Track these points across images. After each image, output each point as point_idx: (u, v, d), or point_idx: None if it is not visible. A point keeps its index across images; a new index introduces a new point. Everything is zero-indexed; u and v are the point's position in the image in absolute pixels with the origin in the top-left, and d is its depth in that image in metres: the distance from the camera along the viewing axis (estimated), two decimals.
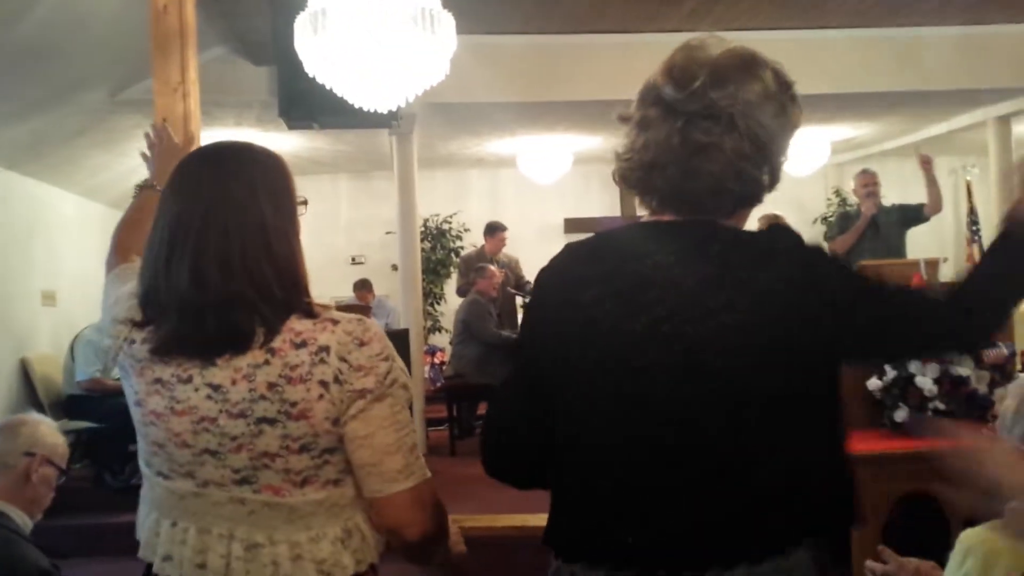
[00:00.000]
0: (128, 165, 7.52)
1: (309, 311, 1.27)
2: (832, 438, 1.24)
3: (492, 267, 6.92)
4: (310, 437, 1.24)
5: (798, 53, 6.58)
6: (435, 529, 1.34)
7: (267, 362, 1.24)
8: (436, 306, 9.57)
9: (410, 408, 1.34)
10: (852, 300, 1.19)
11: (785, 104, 1.25)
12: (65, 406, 6.00)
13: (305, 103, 5.06)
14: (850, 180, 7.17)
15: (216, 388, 1.25)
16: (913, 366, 3.10)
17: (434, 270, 9.58)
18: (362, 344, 1.26)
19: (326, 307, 1.30)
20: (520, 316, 7.59)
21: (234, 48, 6.04)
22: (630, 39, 6.22)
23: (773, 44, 6.35)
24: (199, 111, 3.20)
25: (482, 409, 6.48)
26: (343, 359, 1.24)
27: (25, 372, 6.22)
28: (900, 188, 9.29)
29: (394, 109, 3.25)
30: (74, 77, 5.42)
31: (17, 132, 5.79)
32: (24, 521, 2.12)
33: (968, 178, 10.21)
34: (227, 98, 6.29)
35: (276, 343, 1.24)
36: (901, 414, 3.14)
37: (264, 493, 1.25)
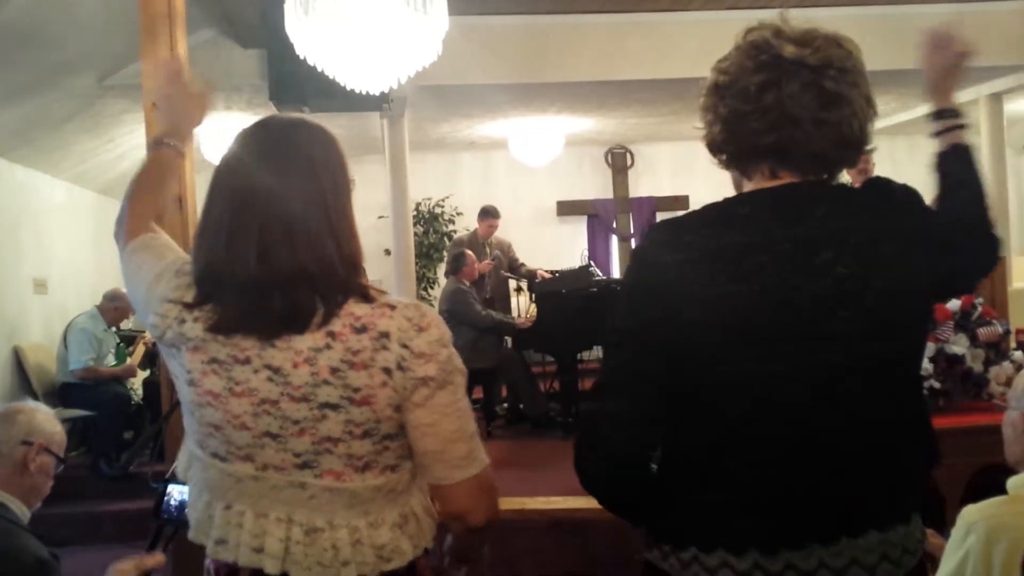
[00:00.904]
0: (117, 151, 7.46)
1: (366, 294, 1.26)
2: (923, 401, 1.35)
3: (470, 254, 6.91)
4: (372, 423, 1.24)
5: None
6: (496, 514, 1.35)
7: (328, 346, 1.22)
8: (429, 291, 9.56)
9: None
10: (952, 238, 1.32)
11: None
12: (59, 394, 5.99)
13: (295, 86, 5.02)
14: None
15: (276, 371, 1.23)
16: None
17: (427, 254, 9.56)
18: (421, 330, 1.25)
19: (381, 291, 1.29)
20: (515, 300, 7.60)
21: (223, 31, 5.99)
22: (622, 19, 6.18)
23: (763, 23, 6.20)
24: None
25: (477, 394, 6.49)
26: (404, 345, 1.23)
27: (18, 361, 6.20)
28: (891, 167, 9.31)
29: (385, 91, 3.22)
30: (61, 61, 5.36)
31: (4, 118, 5.74)
32: (22, 511, 2.10)
33: None
34: (216, 81, 6.24)
35: (336, 326, 1.22)
36: None
37: (326, 478, 1.24)
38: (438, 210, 9.76)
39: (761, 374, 1.17)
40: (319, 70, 3.04)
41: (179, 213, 2.96)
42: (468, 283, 6.73)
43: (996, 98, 7.69)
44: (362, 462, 1.26)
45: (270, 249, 1.22)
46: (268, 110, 6.21)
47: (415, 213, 9.21)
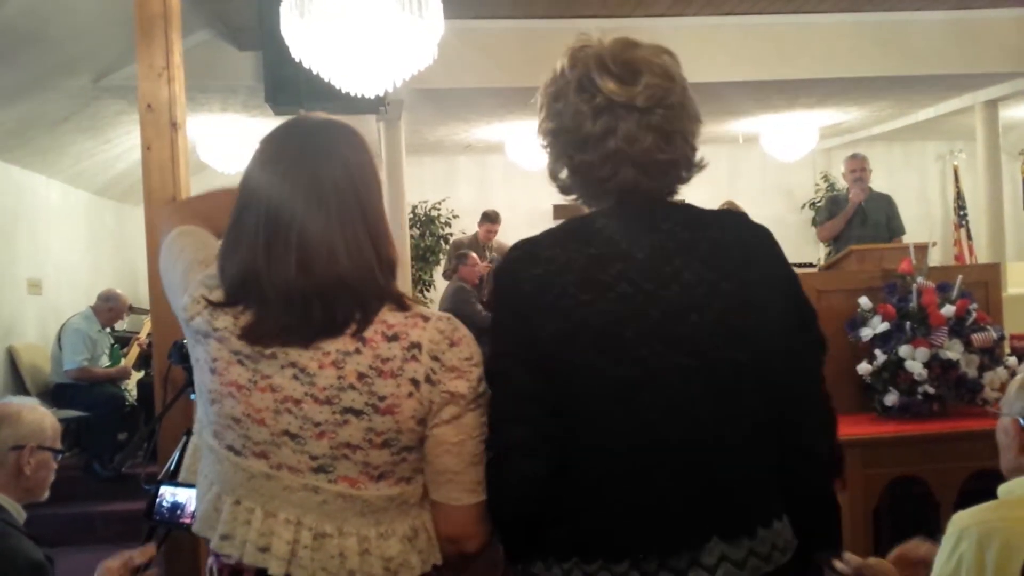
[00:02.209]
0: (113, 152, 7.45)
1: (401, 302, 1.24)
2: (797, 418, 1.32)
3: (474, 256, 6.91)
4: (393, 433, 1.22)
5: (788, 38, 6.60)
6: (489, 544, 1.31)
7: (358, 351, 1.21)
8: (425, 293, 9.55)
9: None
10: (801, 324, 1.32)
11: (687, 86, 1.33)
12: (53, 395, 5.97)
13: (291, 88, 5.01)
14: (838, 165, 7.18)
15: (302, 370, 1.21)
16: (903, 350, 3.11)
17: (423, 257, 9.55)
18: (453, 344, 1.23)
19: (415, 300, 1.28)
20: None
21: (219, 32, 5.99)
22: (617, 24, 6.19)
23: (763, 29, 6.39)
24: (184, 96, 3.15)
25: None
26: (435, 358, 1.22)
27: (12, 361, 6.18)
28: (887, 174, 9.33)
29: (381, 94, 3.22)
30: (58, 62, 5.36)
31: (0, 118, 5.73)
32: (18, 512, 2.09)
33: (955, 163, 10.26)
34: (212, 83, 6.24)
35: (368, 332, 1.21)
36: (891, 398, 3.14)
37: (340, 484, 1.22)
38: (435, 213, 9.76)
39: (619, 381, 1.21)
40: (315, 73, 3.04)
41: None
42: (470, 285, 6.73)
43: (992, 105, 7.71)
44: (378, 471, 1.23)
45: (309, 257, 1.20)
46: (264, 112, 6.20)
47: (411, 216, 9.20)
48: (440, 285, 8.79)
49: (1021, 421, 1.68)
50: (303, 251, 1.20)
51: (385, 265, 1.25)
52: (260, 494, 1.23)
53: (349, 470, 1.22)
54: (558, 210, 10.07)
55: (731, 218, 1.32)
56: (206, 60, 6.02)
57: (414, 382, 1.21)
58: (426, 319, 1.24)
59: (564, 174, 1.33)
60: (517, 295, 1.25)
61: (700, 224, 1.28)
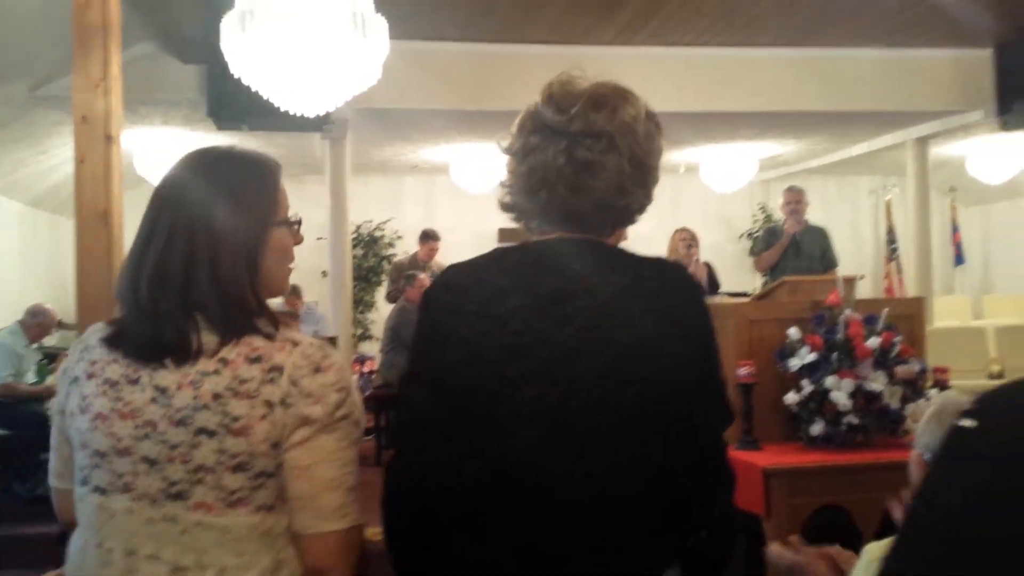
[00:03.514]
0: (48, 163, 7.26)
1: (269, 331, 1.24)
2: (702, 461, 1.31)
3: (422, 275, 6.90)
4: (246, 456, 1.21)
5: (729, 70, 6.76)
6: None
7: (217, 372, 1.21)
8: (366, 313, 9.48)
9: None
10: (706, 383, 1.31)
11: (652, 130, 1.34)
12: None
13: (235, 103, 4.98)
14: (776, 197, 7.35)
15: (163, 391, 1.22)
16: (829, 381, 3.18)
17: (365, 277, 9.50)
18: (318, 370, 1.23)
19: (289, 324, 1.27)
20: None
21: (162, 45, 5.90)
22: (565, 51, 6.27)
23: (705, 60, 6.52)
24: (121, 108, 3.11)
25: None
26: (295, 382, 1.21)
27: None
28: (823, 207, 9.58)
29: (323, 114, 3.21)
30: None
31: None
32: None
33: (888, 197, 10.58)
34: (154, 95, 6.14)
35: (231, 354, 1.22)
36: (817, 428, 3.21)
37: (197, 511, 1.21)
38: (378, 233, 9.72)
39: (510, 417, 1.20)
40: (254, 90, 3.02)
41: (104, 228, 2.90)
42: (414, 306, 6.71)
43: (922, 142, 7.97)
44: (234, 496, 1.21)
45: (164, 279, 1.24)
46: (207, 126, 6.13)
47: (355, 235, 9.14)
48: (382, 306, 8.74)
49: (925, 456, 1.74)
50: (158, 273, 1.24)
51: (246, 299, 1.25)
52: (120, 532, 1.23)
53: (206, 495, 1.21)
54: (504, 233, 10.11)
55: (651, 268, 1.30)
56: (148, 72, 5.92)
57: (268, 404, 1.20)
58: (296, 344, 1.24)
59: (504, 188, 1.36)
60: (429, 319, 1.29)
61: (612, 269, 1.27)
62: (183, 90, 6.07)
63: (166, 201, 1.29)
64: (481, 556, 1.22)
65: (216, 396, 1.20)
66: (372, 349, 9.19)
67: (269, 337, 1.24)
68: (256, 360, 1.22)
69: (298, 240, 1.37)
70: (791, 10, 5.87)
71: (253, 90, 3.14)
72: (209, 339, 1.23)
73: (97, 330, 1.33)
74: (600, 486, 1.21)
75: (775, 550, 1.35)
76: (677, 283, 1.30)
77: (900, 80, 6.93)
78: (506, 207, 1.36)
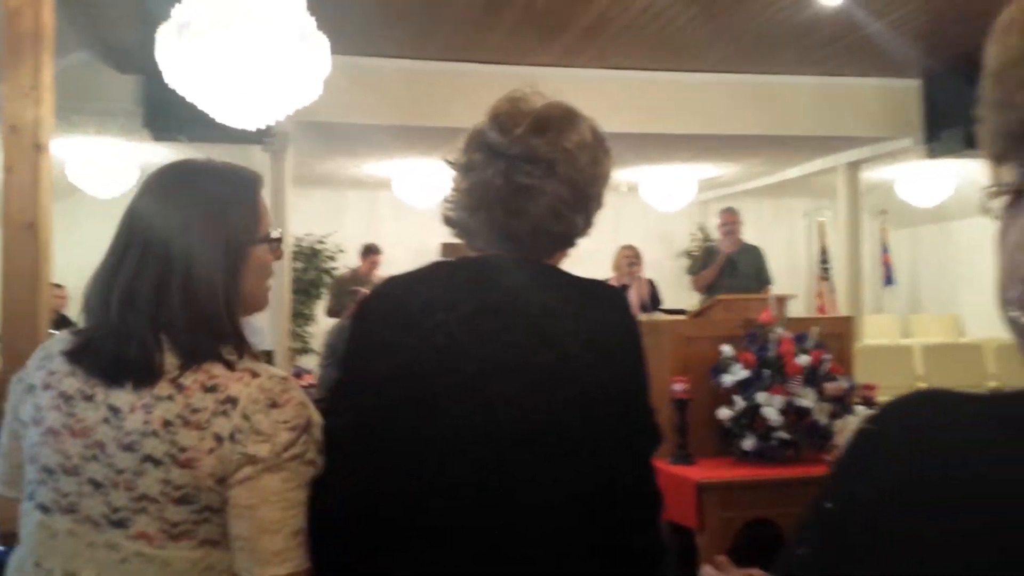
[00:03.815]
0: None
1: (229, 363, 1.19)
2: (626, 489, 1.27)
3: (365, 291, 6.86)
4: (191, 489, 1.16)
5: (669, 94, 6.90)
6: None
7: (171, 397, 1.16)
8: (306, 327, 9.38)
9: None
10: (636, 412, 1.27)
11: (599, 156, 1.33)
12: None
13: (172, 114, 4.89)
14: (714, 217, 7.51)
15: (115, 412, 1.18)
16: (761, 397, 3.26)
17: (305, 290, 9.40)
18: (274, 405, 1.17)
19: (254, 357, 1.23)
20: None
21: (98, 54, 5.79)
22: (508, 70, 6.34)
23: (644, 84, 6.64)
24: (52, 118, 3.04)
25: None
26: (247, 417, 1.16)
27: None
28: (758, 228, 9.80)
29: (262, 127, 3.19)
30: None
31: None
32: None
33: (821, 219, 10.88)
34: (89, 105, 6.02)
35: (187, 380, 1.17)
36: (749, 443, 3.28)
37: (139, 541, 1.16)
38: (319, 246, 9.64)
39: (429, 432, 1.18)
40: (190, 102, 2.99)
41: (31, 239, 2.83)
42: None
43: (854, 167, 8.23)
44: (177, 529, 1.16)
45: (133, 297, 1.20)
46: (143, 137, 6.02)
47: (296, 248, 9.06)
48: (321, 319, 8.66)
49: None
50: (128, 290, 1.20)
51: (217, 325, 1.21)
52: (62, 554, 1.19)
53: (148, 525, 1.16)
54: (446, 248, 10.08)
55: (583, 290, 1.28)
56: (83, 81, 5.81)
57: (218, 438, 1.15)
58: (255, 375, 1.19)
59: (450, 210, 1.34)
60: (360, 330, 1.28)
61: (542, 289, 1.25)
62: (119, 100, 5.96)
63: (141, 217, 1.25)
64: (403, 571, 1.19)
65: (166, 423, 1.16)
66: (312, 363, 9.08)
67: (229, 365, 1.19)
68: (211, 389, 1.17)
69: (278, 256, 1.34)
70: (728, 37, 6.03)
71: (190, 101, 3.10)
72: (171, 361, 1.19)
73: (61, 340, 1.28)
74: (524, 509, 1.17)
75: (708, 571, 1.37)
76: (608, 306, 1.28)
77: (833, 107, 7.15)
78: (449, 222, 1.35)
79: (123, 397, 1.18)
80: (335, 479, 1.21)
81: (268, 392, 1.18)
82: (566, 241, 1.33)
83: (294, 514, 1.17)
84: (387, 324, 1.25)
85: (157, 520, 1.16)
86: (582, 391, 1.20)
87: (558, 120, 1.29)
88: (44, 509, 1.21)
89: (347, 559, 1.21)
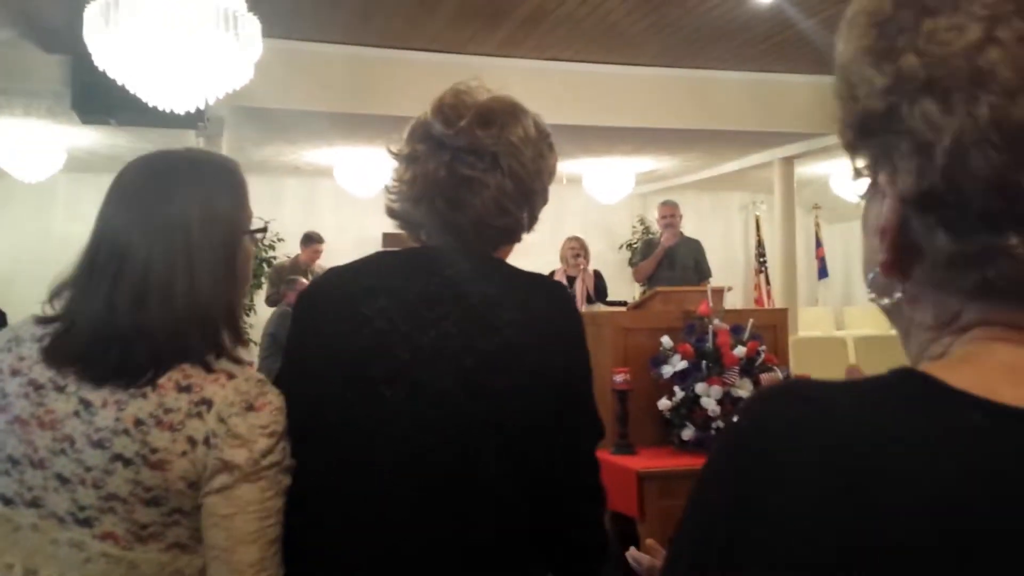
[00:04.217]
0: None
1: (207, 365, 1.16)
2: (571, 475, 1.28)
3: (304, 280, 6.75)
4: (161, 491, 1.12)
5: (607, 87, 6.94)
6: None
7: (144, 395, 1.13)
8: (245, 317, 9.20)
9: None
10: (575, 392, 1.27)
11: (543, 150, 1.33)
12: None
13: (101, 97, 4.75)
14: (653, 209, 7.58)
15: (87, 405, 1.13)
16: (699, 387, 3.30)
17: None
18: (250, 408, 1.14)
19: (237, 359, 1.19)
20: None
21: (24, 32, 5.58)
22: (447, 59, 6.30)
23: (583, 76, 6.67)
24: None
25: None
26: (222, 420, 1.12)
27: None
28: (697, 220, 9.95)
29: (192, 110, 3.10)
30: None
31: None
32: None
33: (757, 213, 11.08)
34: (14, 85, 5.80)
35: (162, 379, 1.13)
36: (688, 432, 3.32)
37: (105, 541, 1.12)
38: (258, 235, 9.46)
39: (361, 418, 1.18)
40: (120, 84, 2.90)
41: None
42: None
43: (788, 162, 8.40)
44: (146, 531, 1.13)
45: (116, 298, 1.16)
46: (71, 119, 5.83)
47: None
48: (261, 309, 8.51)
49: None
50: (111, 292, 1.16)
51: (200, 326, 1.17)
52: (22, 548, 1.14)
53: (115, 525, 1.13)
54: (388, 238, 10.01)
55: (524, 281, 1.28)
56: (8, 60, 5.60)
57: (191, 441, 1.12)
58: (231, 377, 1.16)
59: (393, 200, 1.33)
60: (299, 319, 1.28)
61: (483, 278, 1.25)
62: (46, 81, 5.76)
63: (119, 211, 1.20)
64: (338, 560, 1.18)
65: (138, 422, 1.12)
66: (251, 355, 8.92)
67: (206, 366, 1.15)
68: (186, 389, 1.13)
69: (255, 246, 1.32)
70: (666, 32, 6.09)
71: (120, 83, 3.01)
72: (145, 366, 1.15)
73: (28, 323, 1.22)
74: (459, 497, 1.17)
75: (633, 554, 1.37)
76: (550, 297, 1.28)
77: (767, 102, 7.28)
78: (392, 213, 1.33)
79: (96, 392, 1.14)
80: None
81: (244, 395, 1.15)
82: (510, 235, 1.32)
83: (271, 524, 1.15)
84: (327, 312, 1.24)
85: (125, 521, 1.13)
86: (523, 380, 1.20)
87: (503, 113, 1.28)
88: (6, 500, 1.16)
89: (289, 546, 1.19)
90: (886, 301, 0.59)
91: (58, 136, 6.95)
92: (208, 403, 1.13)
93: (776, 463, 0.51)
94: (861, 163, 0.58)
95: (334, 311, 1.23)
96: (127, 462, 1.12)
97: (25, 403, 1.16)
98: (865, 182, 0.59)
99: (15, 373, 1.17)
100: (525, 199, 1.29)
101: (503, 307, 1.22)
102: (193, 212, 1.20)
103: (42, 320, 1.21)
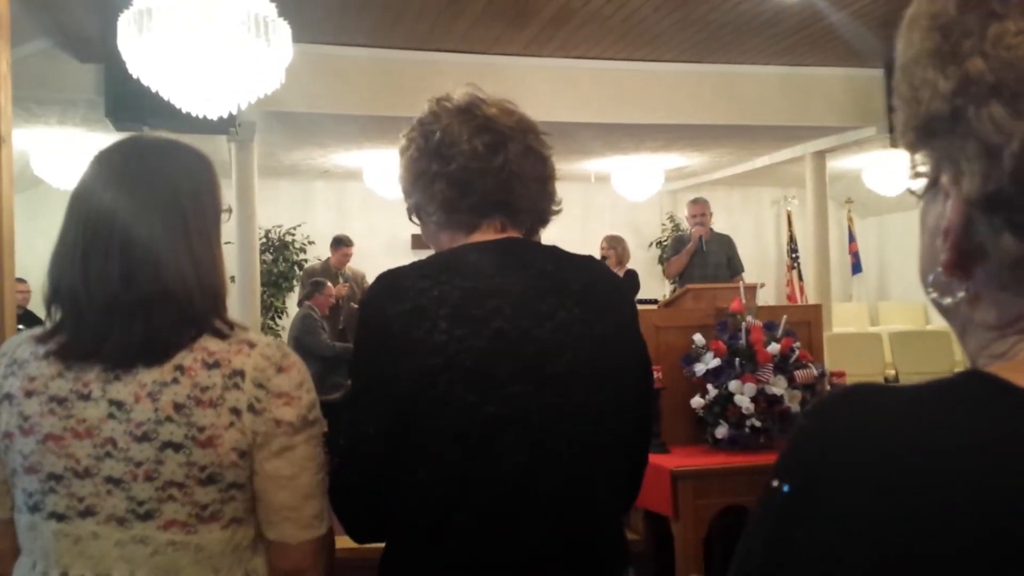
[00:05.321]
0: None
1: (221, 332, 1.19)
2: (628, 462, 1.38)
3: (331, 285, 6.79)
4: (216, 468, 1.16)
5: (634, 84, 6.90)
6: (330, 572, 1.29)
7: (175, 380, 1.15)
8: (277, 320, 9.29)
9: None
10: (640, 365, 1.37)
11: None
12: None
13: (134, 104, 4.82)
14: (683, 207, 7.54)
15: (119, 406, 1.15)
16: (732, 385, 3.28)
17: (275, 283, 9.30)
18: (281, 370, 1.19)
19: (242, 327, 1.22)
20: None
21: (58, 42, 5.67)
22: (475, 59, 6.30)
23: (612, 74, 6.64)
24: (10, 109, 2.96)
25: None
26: (260, 385, 1.17)
27: None
28: (727, 216, 9.87)
29: (224, 116, 3.14)
30: None
31: None
32: None
33: (788, 208, 10.97)
34: (50, 94, 5.90)
35: (187, 361, 1.16)
36: (721, 431, 3.29)
37: (169, 530, 1.15)
38: (289, 238, 9.55)
39: (489, 419, 1.18)
40: (154, 91, 2.94)
41: None
42: (319, 314, 6.59)
43: (820, 156, 8.30)
44: (207, 511, 1.17)
45: (132, 270, 1.17)
46: (105, 127, 5.92)
47: (264, 240, 8.96)
48: (293, 311, 8.58)
49: None
50: (125, 265, 1.17)
51: (207, 292, 1.21)
52: (88, 557, 1.16)
53: (176, 512, 1.16)
54: (416, 239, 10.07)
55: (594, 263, 1.36)
56: (43, 70, 5.69)
57: (235, 411, 1.16)
58: (252, 345, 1.19)
59: (442, 187, 1.30)
60: (384, 330, 1.21)
61: (569, 265, 1.30)
62: (80, 90, 5.85)
63: (109, 192, 1.21)
64: (471, 551, 1.21)
65: (178, 407, 1.14)
66: None
67: (223, 338, 1.19)
68: (214, 365, 1.16)
69: None
70: (694, 27, 6.04)
71: (154, 90, 3.05)
72: (169, 338, 1.17)
73: (23, 342, 1.22)
74: (581, 489, 1.24)
75: None
76: (610, 278, 1.36)
77: (798, 96, 7.20)
78: (448, 206, 1.32)
79: (123, 389, 1.16)
80: (357, 483, 1.25)
81: (271, 359, 1.19)
82: (545, 219, 1.38)
83: (323, 475, 1.24)
84: (422, 318, 1.20)
85: (186, 505, 1.16)
86: (623, 361, 1.29)
87: (511, 107, 1.35)
88: (59, 517, 1.17)
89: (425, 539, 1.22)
90: (947, 300, 0.59)
91: (93, 144, 7.04)
92: (240, 373, 1.17)
93: (837, 465, 0.51)
94: (921, 164, 0.58)
95: (440, 317, 1.19)
96: (177, 447, 1.15)
97: (53, 420, 1.17)
98: (923, 182, 0.59)
99: (30, 394, 1.18)
100: (551, 178, 1.36)
101: (599, 291, 1.29)
102: (183, 185, 1.23)
103: (40, 338, 1.21)
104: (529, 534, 1.19)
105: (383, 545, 1.28)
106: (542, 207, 1.34)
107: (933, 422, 0.51)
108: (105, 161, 1.26)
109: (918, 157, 0.58)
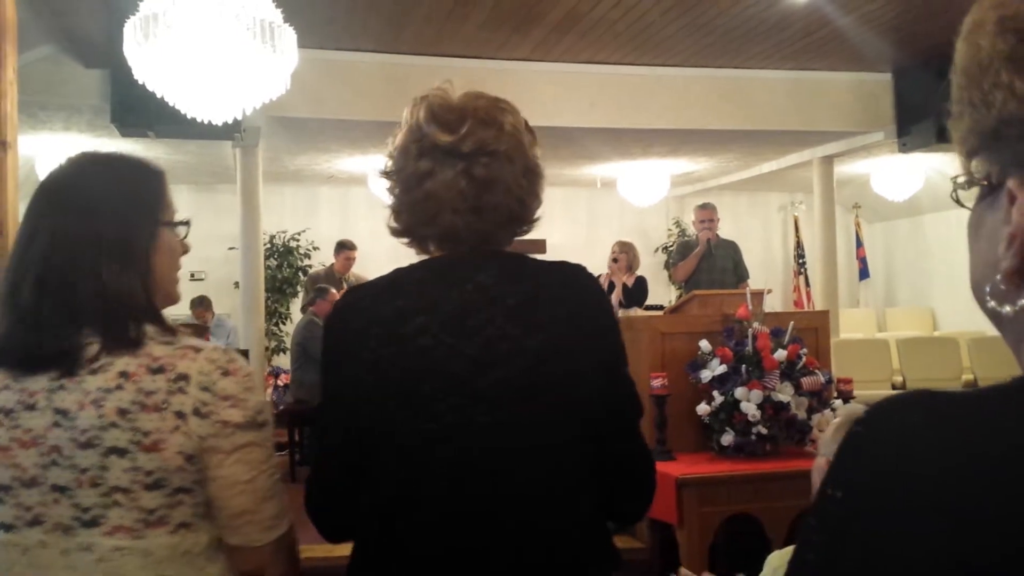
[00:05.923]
0: None
1: (166, 341, 1.21)
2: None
3: (334, 291, 6.78)
4: (161, 472, 1.16)
5: (641, 89, 6.89)
6: (293, 571, 1.31)
7: (119, 387, 1.16)
8: (281, 326, 9.28)
9: None
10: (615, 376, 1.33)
11: (533, 139, 1.35)
12: None
13: (140, 110, 4.82)
14: (689, 212, 7.52)
15: (64, 414, 1.16)
16: (739, 392, 3.25)
17: (279, 288, 9.30)
18: (226, 374, 1.20)
19: (185, 332, 1.24)
20: None
21: (64, 48, 5.68)
22: (481, 64, 6.29)
23: (619, 79, 6.63)
24: (16, 113, 2.96)
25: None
26: (206, 388, 1.18)
27: None
28: (734, 221, 9.84)
29: (229, 121, 3.13)
30: None
31: None
32: None
33: (796, 213, 10.94)
34: (55, 100, 5.91)
35: (131, 367, 1.17)
36: (727, 438, 3.27)
37: (115, 536, 1.15)
38: (293, 243, 9.54)
39: (421, 436, 1.20)
40: (159, 96, 2.93)
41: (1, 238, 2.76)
42: (321, 320, 6.60)
43: (828, 160, 8.27)
44: (154, 516, 1.17)
45: (45, 282, 1.20)
46: (110, 132, 5.92)
47: (269, 246, 8.96)
48: (297, 317, 8.58)
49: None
50: (40, 277, 1.19)
51: (136, 303, 1.22)
52: (37, 567, 1.17)
53: (122, 518, 1.16)
54: None
55: (552, 273, 1.31)
56: (49, 76, 5.70)
57: (180, 415, 1.16)
58: (197, 350, 1.21)
59: (392, 216, 1.34)
60: (336, 347, 1.27)
61: (515, 278, 1.27)
62: (86, 95, 5.86)
63: (49, 202, 1.25)
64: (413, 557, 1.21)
65: (123, 412, 1.15)
66: (287, 362, 9.00)
67: (168, 344, 1.20)
68: (159, 370, 1.17)
69: (185, 249, 1.34)
70: (701, 32, 6.03)
71: (159, 96, 3.04)
72: (95, 349, 1.18)
73: None
74: (522, 500, 1.21)
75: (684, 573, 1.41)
76: (579, 284, 1.31)
77: (806, 101, 7.18)
78: (398, 233, 1.34)
79: (68, 398, 1.17)
80: (330, 499, 1.29)
81: (216, 363, 1.20)
82: (526, 223, 1.35)
83: (278, 475, 1.25)
84: (363, 338, 1.23)
85: (132, 510, 1.16)
86: (573, 373, 1.23)
87: (490, 108, 1.30)
88: (7, 528, 1.18)
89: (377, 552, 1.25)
90: (1007, 309, 0.57)
91: (99, 149, 7.07)
92: (185, 377, 1.17)
93: (892, 474, 0.51)
94: (979, 169, 0.57)
95: (372, 336, 1.22)
96: (122, 452, 1.15)
97: (1, 431, 1.18)
98: (974, 189, 0.58)
99: None
100: (532, 184, 1.32)
101: (540, 303, 1.25)
102: (102, 206, 1.24)
103: None
104: (470, 552, 1.20)
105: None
106: (491, 231, 1.29)
107: (989, 429, 0.50)
108: (44, 183, 1.29)
109: (975, 163, 0.57)
